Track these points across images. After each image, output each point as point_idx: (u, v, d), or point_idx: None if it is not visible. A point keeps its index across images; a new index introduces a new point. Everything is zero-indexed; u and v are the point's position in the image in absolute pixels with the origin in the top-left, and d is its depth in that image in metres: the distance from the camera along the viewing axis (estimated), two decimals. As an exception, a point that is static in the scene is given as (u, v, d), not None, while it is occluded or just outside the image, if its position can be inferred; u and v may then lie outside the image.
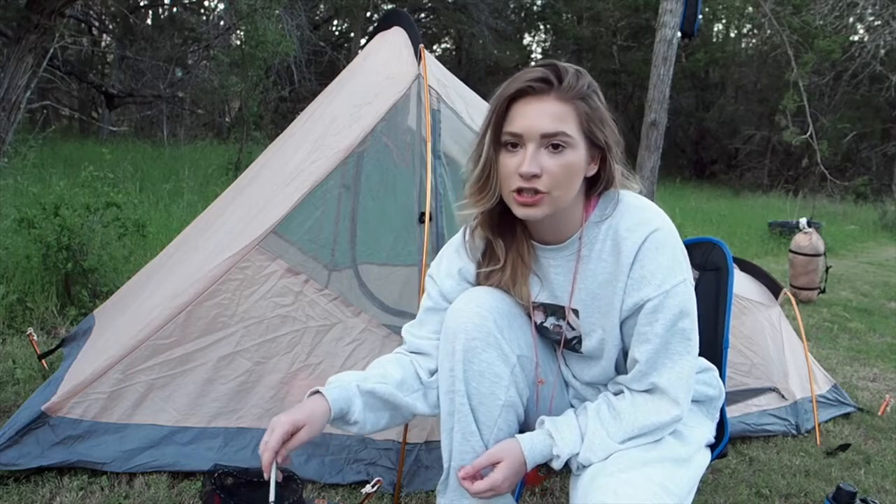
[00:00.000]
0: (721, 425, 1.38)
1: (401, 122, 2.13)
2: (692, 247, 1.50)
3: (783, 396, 2.58)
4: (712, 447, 1.32)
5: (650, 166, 6.31)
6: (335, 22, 20.42)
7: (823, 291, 5.41)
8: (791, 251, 5.46)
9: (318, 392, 1.18)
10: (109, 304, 2.62)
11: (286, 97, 12.61)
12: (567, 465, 1.20)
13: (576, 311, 1.24)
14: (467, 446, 1.23)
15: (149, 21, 16.11)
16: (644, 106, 6.59)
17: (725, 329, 1.43)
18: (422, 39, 2.25)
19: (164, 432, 1.90)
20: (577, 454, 1.17)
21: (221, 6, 13.67)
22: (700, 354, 1.26)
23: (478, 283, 1.30)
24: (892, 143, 18.06)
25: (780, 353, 2.65)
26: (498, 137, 1.15)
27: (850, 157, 18.50)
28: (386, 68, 2.24)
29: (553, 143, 1.11)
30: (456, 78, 2.46)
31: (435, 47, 22.70)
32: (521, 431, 1.26)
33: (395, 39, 2.33)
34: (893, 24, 12.72)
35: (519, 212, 1.16)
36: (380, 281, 2.12)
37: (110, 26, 14.98)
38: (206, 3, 15.65)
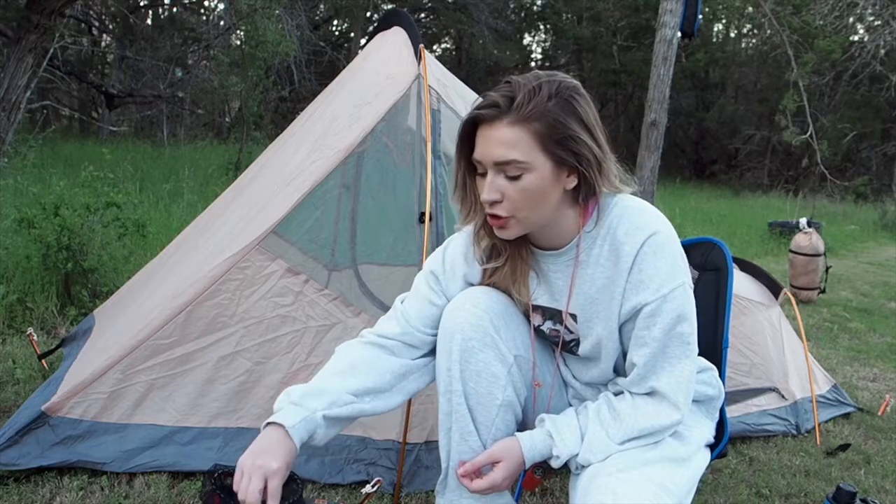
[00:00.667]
0: (721, 425, 1.38)
1: (401, 122, 2.13)
2: (692, 247, 1.50)
3: (783, 396, 2.58)
4: (712, 447, 1.32)
5: (650, 166, 6.31)
6: (335, 22, 20.42)
7: (823, 291, 5.40)
8: (791, 251, 5.46)
9: (278, 424, 1.10)
10: (109, 304, 2.62)
11: (286, 97, 12.61)
12: (566, 464, 1.20)
13: (574, 316, 1.24)
14: (465, 446, 1.23)
15: (149, 21, 16.10)
16: (644, 106, 6.58)
17: (725, 329, 1.43)
18: (422, 39, 2.25)
19: (164, 432, 1.90)
20: (577, 455, 1.18)
21: (221, 6, 13.68)
22: (700, 354, 1.26)
23: (481, 282, 1.29)
24: (892, 143, 18.06)
25: (780, 353, 2.65)
26: (469, 161, 1.16)
27: (850, 157, 18.49)
28: (386, 68, 2.23)
29: (505, 170, 1.10)
30: (456, 78, 2.46)
31: (435, 47, 22.70)
32: (520, 430, 1.26)
33: (395, 39, 2.33)
34: (893, 24, 12.72)
35: (495, 232, 1.18)
36: (380, 281, 2.12)
37: (110, 26, 14.98)
38: (206, 3, 15.66)
